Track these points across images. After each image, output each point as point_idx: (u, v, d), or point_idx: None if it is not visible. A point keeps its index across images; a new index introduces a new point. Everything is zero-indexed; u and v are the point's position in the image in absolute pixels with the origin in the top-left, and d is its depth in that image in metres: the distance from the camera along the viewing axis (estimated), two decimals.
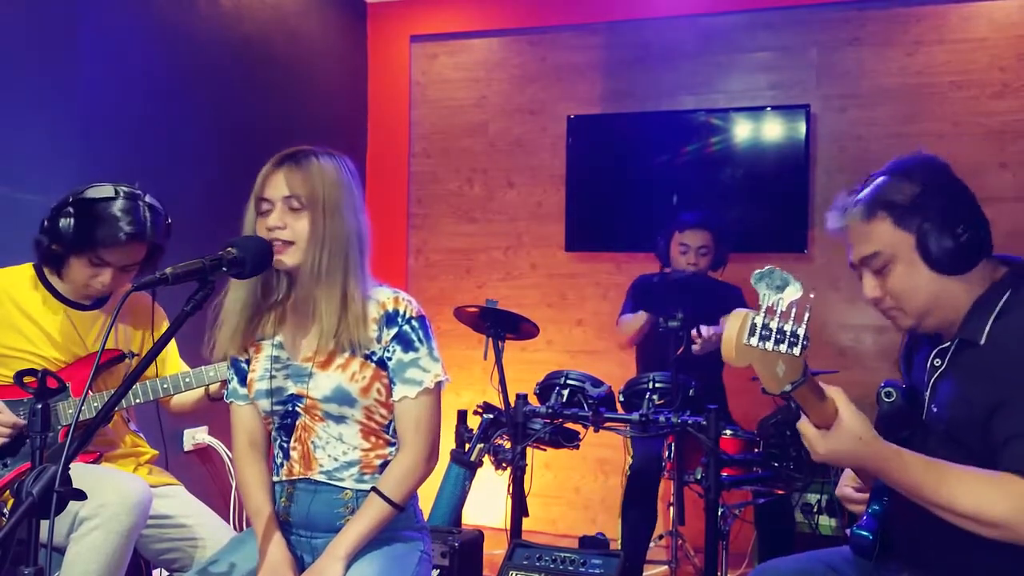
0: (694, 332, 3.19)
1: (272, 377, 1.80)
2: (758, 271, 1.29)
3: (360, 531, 1.72)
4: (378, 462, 1.79)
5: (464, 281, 4.54)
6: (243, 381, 1.86)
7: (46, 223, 2.13)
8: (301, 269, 1.73)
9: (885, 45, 3.91)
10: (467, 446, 3.00)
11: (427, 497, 2.47)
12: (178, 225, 2.27)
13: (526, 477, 2.96)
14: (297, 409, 1.79)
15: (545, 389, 3.08)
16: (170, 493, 2.29)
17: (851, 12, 3.95)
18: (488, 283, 4.49)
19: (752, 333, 1.26)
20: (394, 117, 4.63)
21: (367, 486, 1.76)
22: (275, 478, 1.85)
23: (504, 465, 2.95)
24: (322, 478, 1.78)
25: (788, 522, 3.16)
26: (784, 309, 1.27)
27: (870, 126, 3.92)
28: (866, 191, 1.60)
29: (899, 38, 3.89)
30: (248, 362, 1.85)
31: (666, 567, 3.42)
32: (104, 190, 2.11)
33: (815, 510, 3.34)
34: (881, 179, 1.59)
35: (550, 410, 2.91)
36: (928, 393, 1.61)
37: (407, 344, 1.76)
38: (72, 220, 2.08)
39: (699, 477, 2.69)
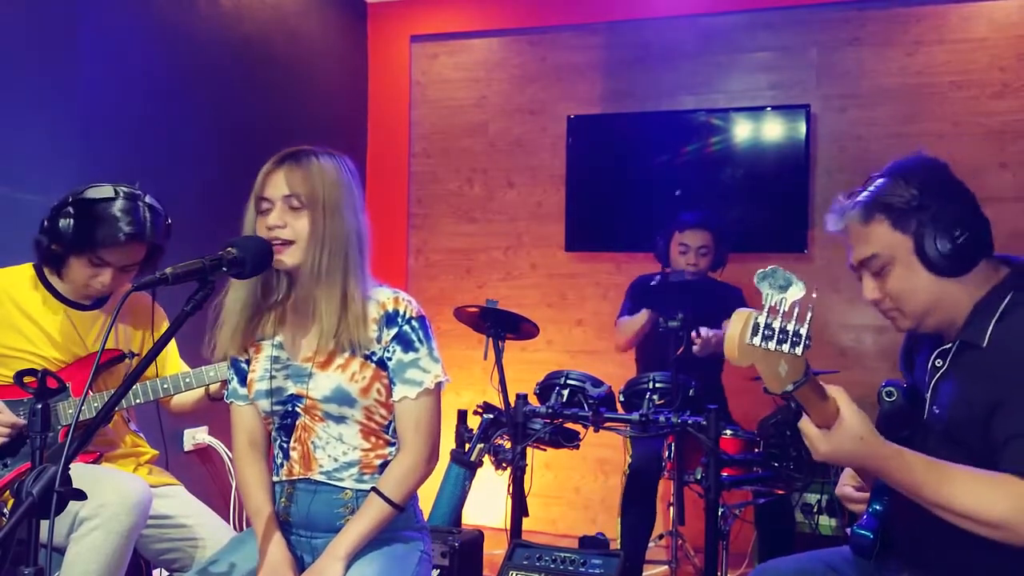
0: (694, 333, 3.19)
1: (272, 377, 1.80)
2: (761, 271, 1.29)
3: (360, 531, 1.72)
4: (378, 462, 1.79)
5: (464, 281, 4.54)
6: (243, 381, 1.86)
7: (46, 223, 2.13)
8: (301, 269, 1.73)
9: (885, 45, 3.91)
10: (467, 446, 3.00)
11: (427, 497, 2.47)
12: (178, 225, 2.27)
13: (526, 477, 2.96)
14: (297, 409, 1.79)
15: (545, 389, 3.07)
16: (170, 493, 2.29)
17: (851, 12, 3.95)
18: (488, 283, 4.49)
19: (755, 333, 1.27)
20: (394, 117, 4.63)
21: (367, 486, 1.76)
22: (275, 478, 1.85)
23: (504, 465, 2.95)
24: (322, 478, 1.78)
25: (788, 522, 3.16)
26: (787, 309, 1.27)
27: (870, 126, 3.92)
28: (865, 193, 1.60)
29: (899, 38, 3.89)
30: (248, 362, 1.85)
31: (666, 567, 3.42)
32: (104, 190, 2.11)
33: (815, 510, 3.34)
34: (880, 181, 1.59)
35: (550, 410, 2.91)
36: (929, 394, 1.61)
37: (407, 344, 1.76)
38: (72, 220, 2.08)
39: (699, 477, 2.69)
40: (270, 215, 1.73)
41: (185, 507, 2.26)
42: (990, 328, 1.52)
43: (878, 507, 1.63)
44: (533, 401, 3.03)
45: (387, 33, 4.64)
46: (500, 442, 2.98)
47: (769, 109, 4.01)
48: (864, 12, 3.93)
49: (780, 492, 2.98)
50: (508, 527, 2.92)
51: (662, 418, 2.75)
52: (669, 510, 3.42)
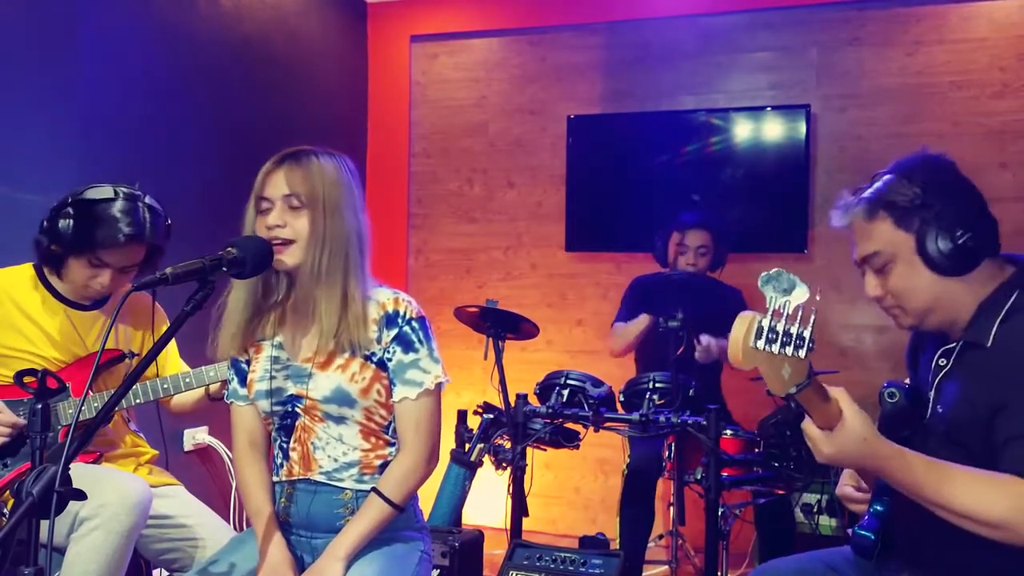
0: (695, 341, 3.19)
1: (272, 378, 1.80)
2: (765, 274, 1.29)
3: (360, 531, 1.72)
4: (378, 463, 1.79)
5: (464, 281, 4.54)
6: (243, 381, 1.86)
7: (45, 223, 2.13)
8: (301, 269, 1.73)
9: (885, 45, 3.91)
10: (467, 446, 3.00)
11: (427, 497, 2.47)
12: (178, 225, 2.27)
13: (526, 477, 2.95)
14: (297, 410, 1.79)
15: (545, 389, 3.07)
16: (170, 493, 2.29)
17: (851, 12, 3.95)
18: (488, 283, 4.49)
19: (758, 336, 1.27)
20: (394, 117, 4.63)
21: (367, 486, 1.76)
22: (275, 478, 1.85)
23: (504, 465, 2.95)
24: (322, 479, 1.78)
25: (788, 522, 3.16)
26: (790, 312, 1.27)
27: (870, 126, 3.92)
28: (869, 190, 1.60)
29: (899, 38, 3.89)
30: (248, 362, 1.85)
31: (666, 567, 3.42)
32: (103, 191, 2.11)
33: (815, 510, 3.33)
34: (884, 178, 1.59)
35: (550, 410, 2.91)
36: (932, 393, 1.61)
37: (407, 345, 1.76)
38: (71, 221, 2.08)
39: (699, 477, 2.69)
40: (270, 215, 1.73)
41: (185, 507, 2.26)
42: (994, 328, 1.51)
43: (879, 508, 1.63)
44: (533, 401, 3.03)
45: (387, 33, 4.64)
46: (500, 442, 2.98)
47: (769, 109, 4.01)
48: (864, 12, 3.93)
49: (780, 492, 2.97)
50: (508, 527, 2.92)
51: (662, 418, 2.75)
52: (669, 510, 3.42)
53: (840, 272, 3.89)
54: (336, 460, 1.77)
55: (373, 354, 1.76)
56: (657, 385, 2.95)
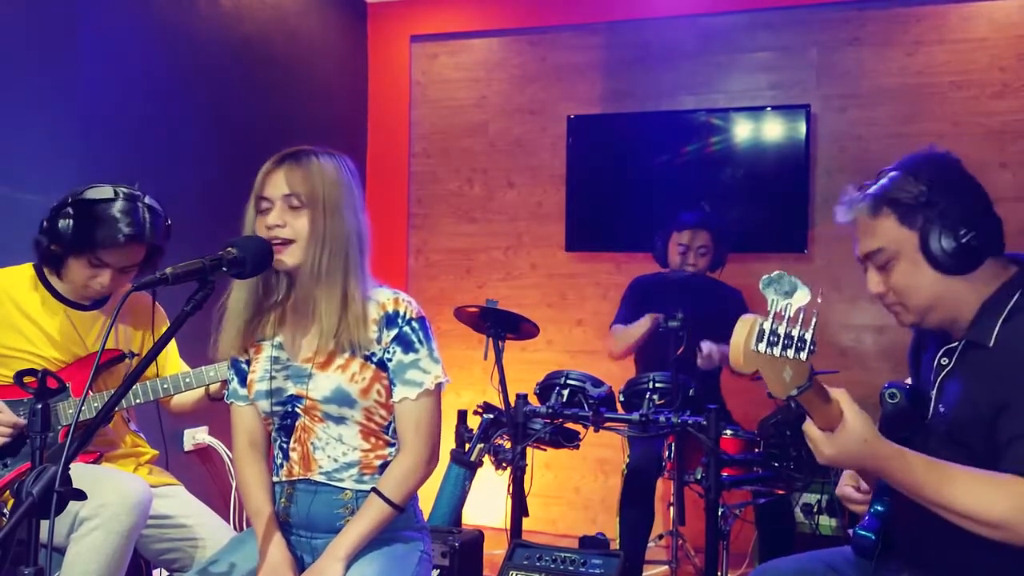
0: (698, 348, 3.19)
1: (272, 378, 1.80)
2: (767, 276, 1.29)
3: (360, 532, 1.72)
4: (378, 463, 1.79)
5: (464, 281, 4.54)
6: (243, 382, 1.86)
7: (45, 223, 2.13)
8: (301, 269, 1.73)
9: (885, 45, 3.91)
10: (467, 446, 3.00)
11: (427, 497, 2.47)
12: (178, 225, 2.27)
13: (526, 477, 2.95)
14: (297, 410, 1.79)
15: (545, 389, 3.07)
16: (170, 493, 2.29)
17: (851, 12, 3.95)
18: (488, 283, 4.49)
19: (760, 339, 1.27)
20: (394, 117, 4.63)
21: (367, 487, 1.76)
22: (275, 479, 1.85)
23: (504, 465, 2.95)
24: (322, 479, 1.78)
25: (788, 522, 3.16)
26: (791, 314, 1.27)
27: (870, 126, 3.92)
28: (874, 186, 1.60)
29: (899, 38, 3.89)
30: (248, 363, 1.85)
31: (666, 567, 3.42)
32: (103, 191, 2.11)
33: (815, 510, 3.33)
34: (890, 175, 1.59)
35: (550, 410, 2.91)
36: (935, 392, 1.61)
37: (407, 345, 1.76)
38: (71, 221, 2.08)
39: (699, 477, 2.69)
40: (270, 214, 1.73)
41: (185, 507, 2.26)
42: (997, 328, 1.51)
43: (880, 508, 1.63)
44: (533, 401, 3.03)
45: (387, 33, 4.64)
46: (500, 442, 2.98)
47: (769, 109, 4.01)
48: (864, 12, 3.93)
49: (780, 492, 2.97)
50: (508, 527, 2.92)
51: (662, 418, 2.75)
52: (669, 510, 3.42)
53: (840, 272, 3.89)
54: (336, 460, 1.77)
55: (373, 354, 1.76)
56: (657, 385, 2.95)
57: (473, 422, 3.14)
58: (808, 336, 1.27)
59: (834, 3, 3.97)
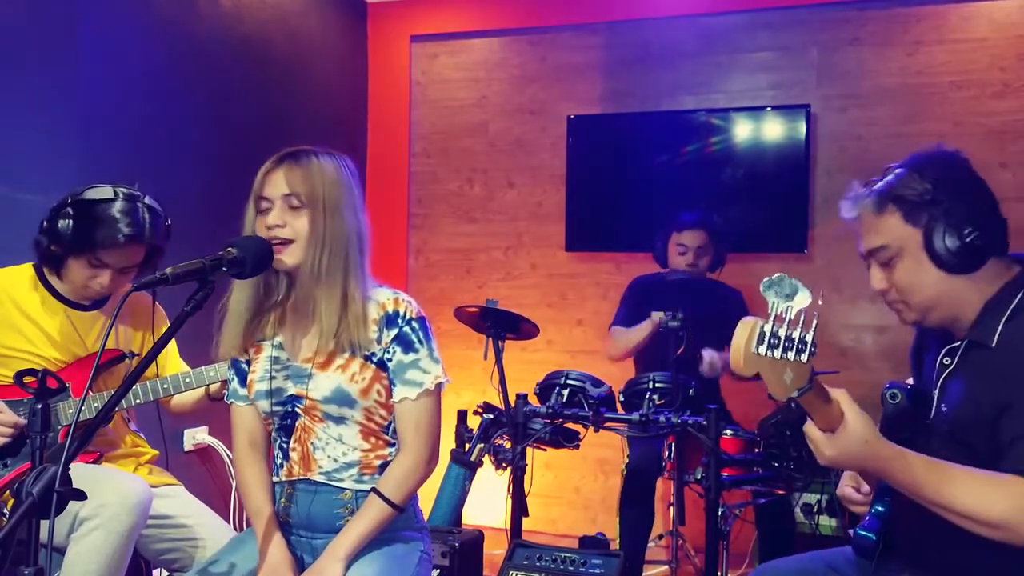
0: (698, 355, 3.18)
1: (272, 378, 1.80)
2: (767, 279, 1.29)
3: (360, 532, 1.72)
4: (378, 463, 1.79)
5: (464, 281, 4.54)
6: (243, 382, 1.86)
7: (45, 224, 2.13)
8: (301, 269, 1.73)
9: (885, 45, 3.91)
10: (467, 446, 3.00)
11: (427, 497, 2.47)
12: (178, 225, 2.27)
13: (526, 477, 2.95)
14: (297, 410, 1.79)
15: (545, 389, 3.07)
16: (170, 493, 2.29)
17: (851, 12, 3.95)
18: (488, 283, 4.49)
19: (760, 341, 1.27)
20: (394, 117, 4.63)
21: (367, 487, 1.76)
22: (275, 479, 1.85)
23: (504, 465, 2.95)
24: (321, 479, 1.78)
25: (788, 522, 3.16)
26: (792, 317, 1.27)
27: (870, 126, 3.92)
28: (880, 183, 1.60)
29: (899, 38, 3.88)
30: (248, 363, 1.85)
31: (666, 567, 3.42)
32: (103, 191, 2.11)
33: (815, 510, 3.33)
34: (896, 172, 1.59)
35: (550, 410, 2.91)
36: (937, 392, 1.60)
37: (407, 345, 1.76)
38: (71, 221, 2.08)
39: (699, 477, 2.69)
40: (269, 214, 1.73)
41: (185, 507, 2.26)
42: (999, 327, 1.51)
43: (880, 508, 1.63)
44: (533, 401, 3.03)
45: (387, 33, 4.64)
46: (500, 442, 2.98)
47: (769, 109, 4.01)
48: (864, 12, 3.93)
49: (780, 492, 2.97)
50: (508, 527, 2.92)
51: (662, 418, 2.75)
52: (669, 510, 3.42)
53: (840, 272, 3.90)
54: (336, 460, 1.77)
55: (373, 354, 1.76)
56: (657, 385, 2.95)
57: (473, 422, 3.14)
58: (809, 338, 1.27)
59: (834, 3, 3.97)
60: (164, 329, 1.69)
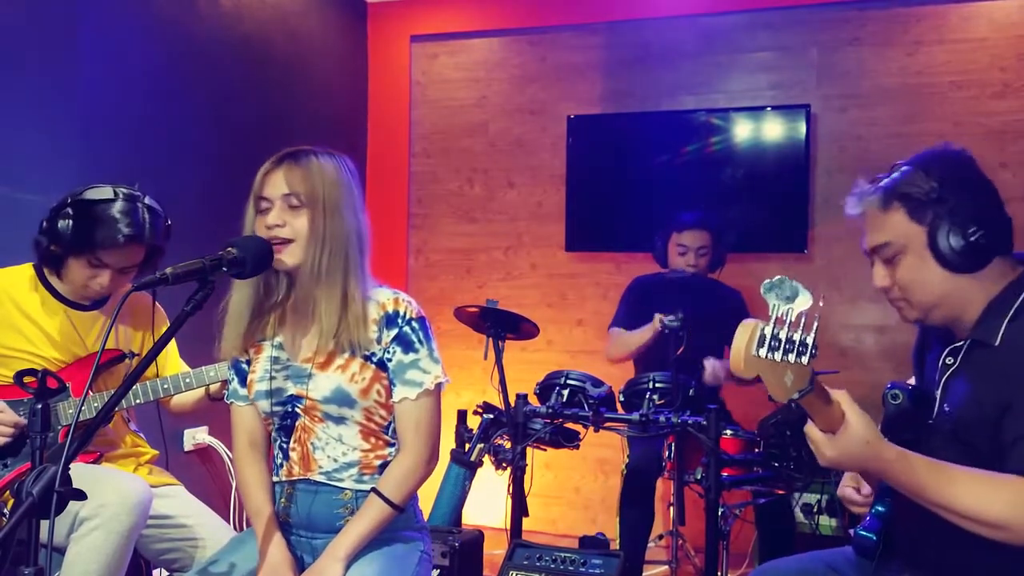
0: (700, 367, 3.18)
1: (272, 378, 1.80)
2: (768, 281, 1.28)
3: (360, 532, 1.72)
4: (378, 463, 1.79)
5: (464, 281, 4.54)
6: (243, 382, 1.86)
7: (45, 224, 2.13)
8: (301, 269, 1.73)
9: (885, 45, 3.91)
10: (467, 446, 3.00)
11: (427, 497, 2.47)
12: (178, 225, 2.27)
13: (526, 477, 2.95)
14: (297, 410, 1.79)
15: (545, 389, 3.07)
16: (170, 493, 2.29)
17: (851, 12, 3.95)
18: (488, 283, 4.49)
19: (761, 344, 1.27)
20: (394, 117, 4.63)
21: (367, 487, 1.76)
22: (275, 479, 1.85)
23: (504, 465, 2.95)
24: (321, 479, 1.78)
25: (788, 522, 3.16)
26: (793, 319, 1.27)
27: (870, 126, 3.92)
28: (886, 180, 1.59)
29: (899, 38, 3.88)
30: (248, 363, 1.85)
31: (666, 567, 3.42)
32: (103, 192, 2.11)
33: (815, 510, 3.33)
34: (902, 169, 1.59)
35: (550, 410, 2.91)
36: (940, 392, 1.60)
37: (407, 345, 1.76)
38: (71, 221, 2.08)
39: (699, 477, 2.69)
40: (269, 214, 1.73)
41: (185, 507, 2.26)
42: (1003, 327, 1.51)
43: (881, 509, 1.63)
44: (533, 401, 3.02)
45: (387, 33, 4.64)
46: (500, 442, 2.98)
47: (769, 109, 4.01)
48: (864, 12, 3.93)
49: (780, 492, 2.97)
50: (508, 527, 2.92)
51: (662, 418, 2.75)
52: (669, 510, 3.42)
53: (840, 272, 3.90)
54: (336, 460, 1.77)
55: (373, 354, 1.76)
56: (657, 385, 2.94)
57: (473, 422, 3.14)
58: (809, 340, 1.27)
59: (834, 3, 3.97)
60: (164, 329, 1.69)
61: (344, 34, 4.50)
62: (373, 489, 1.75)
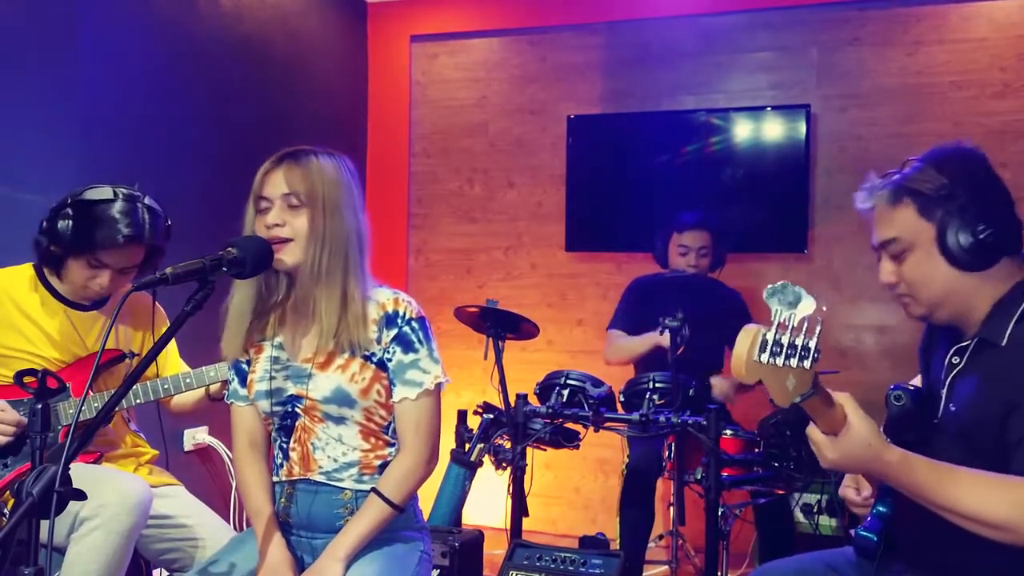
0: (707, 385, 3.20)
1: (272, 378, 1.80)
2: (771, 286, 1.28)
3: (360, 532, 1.72)
4: (378, 463, 1.79)
5: (464, 281, 4.54)
6: (243, 382, 1.86)
7: (45, 224, 2.12)
8: (301, 268, 1.73)
9: (885, 45, 3.91)
10: (467, 446, 3.00)
11: (427, 497, 2.46)
12: (178, 225, 2.27)
13: (526, 477, 2.95)
14: (297, 410, 1.79)
15: (545, 389, 3.07)
16: (170, 493, 2.29)
17: (851, 12, 3.95)
18: (488, 283, 4.49)
19: (763, 349, 1.26)
20: (394, 117, 4.63)
21: (367, 487, 1.76)
22: (275, 479, 1.85)
23: (504, 465, 2.95)
24: (321, 479, 1.78)
25: (788, 522, 3.16)
26: (795, 324, 1.27)
27: (870, 126, 3.92)
28: (897, 175, 1.59)
29: (899, 38, 3.88)
30: (249, 363, 1.85)
31: (666, 567, 3.42)
32: (103, 192, 2.11)
33: (815, 510, 3.33)
34: (914, 165, 1.58)
35: (550, 410, 2.91)
36: (945, 391, 1.60)
37: (407, 345, 1.76)
38: (70, 222, 2.08)
39: (699, 477, 2.69)
40: (269, 214, 1.73)
41: (185, 507, 2.26)
42: (1010, 327, 1.50)
43: (882, 509, 1.63)
44: (533, 401, 3.02)
45: (387, 33, 4.64)
46: (500, 442, 2.98)
47: (769, 109, 4.01)
48: (864, 12, 3.93)
49: (780, 492, 2.97)
50: (508, 527, 2.92)
51: (662, 418, 2.75)
52: (669, 510, 3.42)
53: (840, 272, 3.90)
54: (336, 460, 1.77)
55: (373, 354, 1.76)
56: (657, 385, 2.94)
57: (473, 422, 3.14)
58: (812, 345, 1.27)
59: (834, 3, 3.97)
60: (164, 329, 1.69)
61: (344, 34, 4.50)
62: (373, 489, 1.75)
